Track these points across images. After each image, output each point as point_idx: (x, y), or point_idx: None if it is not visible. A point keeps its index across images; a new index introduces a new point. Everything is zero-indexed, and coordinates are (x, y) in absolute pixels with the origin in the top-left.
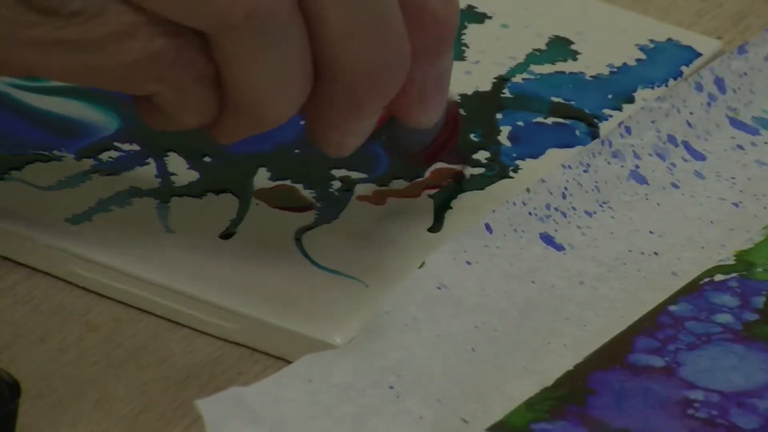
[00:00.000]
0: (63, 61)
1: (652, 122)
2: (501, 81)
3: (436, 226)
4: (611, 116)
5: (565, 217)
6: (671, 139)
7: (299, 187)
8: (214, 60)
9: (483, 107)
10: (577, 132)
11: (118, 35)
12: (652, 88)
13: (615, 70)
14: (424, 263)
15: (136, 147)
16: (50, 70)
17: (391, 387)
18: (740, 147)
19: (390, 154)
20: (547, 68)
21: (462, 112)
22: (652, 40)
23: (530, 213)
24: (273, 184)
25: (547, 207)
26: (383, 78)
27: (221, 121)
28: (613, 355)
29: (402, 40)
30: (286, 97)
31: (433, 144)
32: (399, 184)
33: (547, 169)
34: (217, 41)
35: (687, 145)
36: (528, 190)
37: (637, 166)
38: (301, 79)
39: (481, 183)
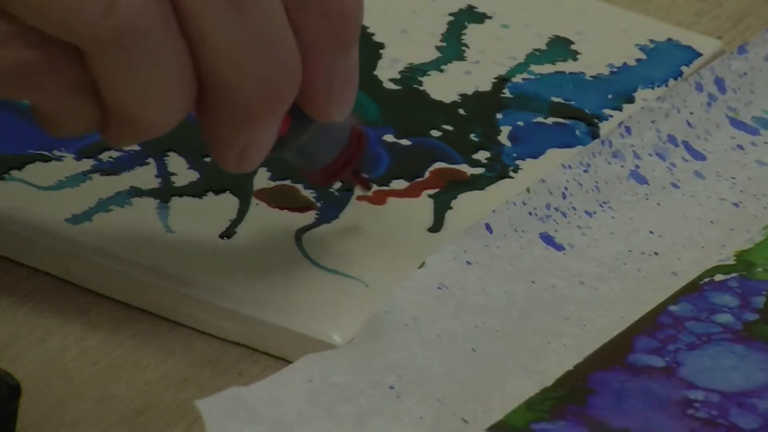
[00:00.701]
0: None
1: (652, 122)
2: (501, 81)
3: (436, 226)
4: (611, 116)
5: (566, 217)
6: (671, 139)
7: (299, 187)
8: (89, 70)
9: (483, 107)
10: (577, 132)
11: None
12: (652, 88)
13: (615, 70)
14: (424, 263)
15: (136, 147)
16: None
17: (391, 387)
18: (740, 147)
19: (295, 167)
20: (547, 68)
21: (407, 142)
22: (652, 40)
23: (530, 213)
24: (273, 184)
25: (548, 207)
26: (271, 93)
27: (106, 125)
28: (613, 355)
29: (289, 52)
30: (164, 110)
31: (334, 163)
32: (399, 184)
33: (547, 169)
34: (87, 54)
35: (687, 145)
36: (528, 190)
37: (637, 166)
38: (180, 94)
39: (481, 183)
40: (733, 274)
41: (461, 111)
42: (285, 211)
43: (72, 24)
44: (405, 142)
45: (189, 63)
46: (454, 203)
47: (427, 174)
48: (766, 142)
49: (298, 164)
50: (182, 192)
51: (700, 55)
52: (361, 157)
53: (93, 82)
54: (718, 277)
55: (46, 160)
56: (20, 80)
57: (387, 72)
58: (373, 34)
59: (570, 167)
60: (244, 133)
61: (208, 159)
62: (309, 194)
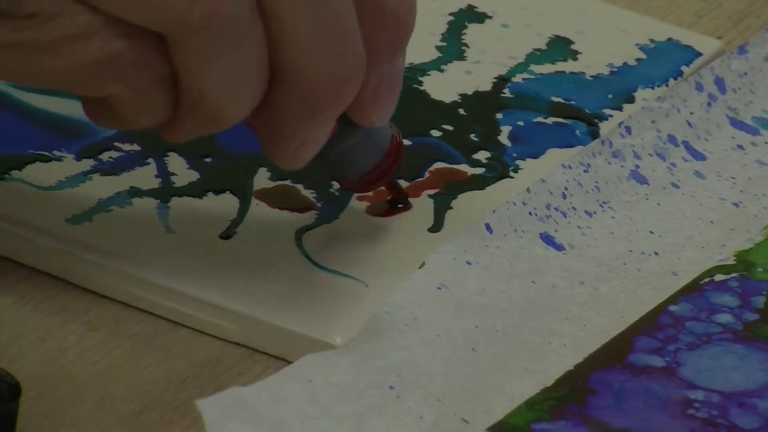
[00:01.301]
0: (20, 63)
1: (653, 122)
2: (501, 81)
3: (436, 226)
4: (611, 116)
5: (566, 217)
6: (671, 139)
7: (299, 187)
8: (172, 61)
9: (483, 107)
10: (578, 132)
11: (74, 37)
12: (653, 87)
13: (615, 69)
14: (424, 263)
15: (136, 147)
16: (7, 73)
17: (391, 387)
18: (740, 147)
19: (328, 174)
20: (547, 68)
21: (407, 142)
22: (652, 40)
23: (530, 213)
24: (273, 184)
25: (548, 207)
26: (341, 83)
27: (175, 120)
28: (614, 355)
29: (358, 47)
30: (241, 99)
31: (372, 172)
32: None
33: (548, 169)
34: (174, 43)
35: (687, 145)
36: (528, 190)
37: (637, 166)
38: (257, 82)
39: (481, 183)
40: (734, 274)
41: (461, 111)
42: (285, 211)
43: (162, 11)
44: (405, 142)
45: (266, 52)
46: (454, 203)
47: (427, 174)
48: (766, 142)
49: (339, 170)
50: (182, 192)
51: (700, 54)
52: (399, 166)
53: (172, 75)
54: (719, 277)
55: (46, 160)
56: (104, 73)
57: None
58: None
59: (570, 167)
60: (308, 127)
61: (208, 159)
62: (309, 194)
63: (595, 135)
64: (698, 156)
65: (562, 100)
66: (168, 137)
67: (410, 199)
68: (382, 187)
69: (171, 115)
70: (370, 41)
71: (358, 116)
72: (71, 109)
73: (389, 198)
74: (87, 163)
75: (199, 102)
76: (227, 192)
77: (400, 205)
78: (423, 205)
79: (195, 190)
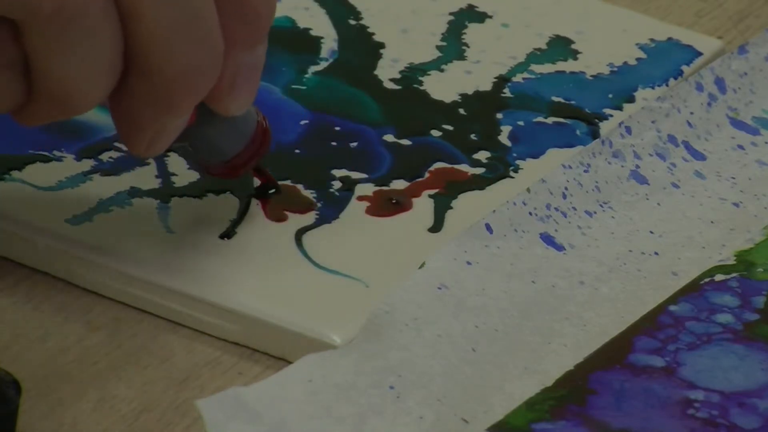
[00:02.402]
0: None
1: (653, 122)
2: (501, 81)
3: (436, 226)
4: (612, 116)
5: (566, 217)
6: (671, 139)
7: (299, 187)
8: (24, 47)
9: (483, 107)
10: (578, 132)
11: None
12: (653, 87)
13: (615, 69)
14: (424, 263)
15: None
16: None
17: (391, 387)
18: (741, 147)
19: (191, 161)
20: (547, 68)
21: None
22: (652, 40)
23: (530, 213)
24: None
25: (548, 207)
26: (196, 76)
27: (28, 105)
28: (614, 355)
29: (216, 38)
30: (94, 87)
31: (236, 157)
32: (399, 184)
33: (548, 169)
34: (25, 30)
35: (687, 145)
36: (528, 190)
37: (637, 166)
38: (110, 72)
39: (481, 183)
40: (734, 274)
41: (462, 111)
42: (282, 222)
43: None
44: (405, 141)
45: (121, 42)
46: (454, 203)
47: (427, 174)
48: (766, 142)
49: (202, 156)
50: (182, 192)
51: (700, 54)
52: (265, 152)
53: (25, 59)
54: (719, 277)
55: (46, 160)
56: None
57: (387, 72)
58: (373, 34)
59: (570, 167)
60: (162, 117)
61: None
62: (309, 194)
63: (595, 135)
64: (698, 156)
65: (563, 100)
66: (21, 122)
67: (412, 199)
68: (251, 173)
69: (24, 100)
70: (229, 32)
71: (216, 105)
72: None
73: (259, 185)
74: (87, 163)
75: (51, 89)
76: (227, 192)
77: (271, 191)
78: (423, 205)
79: (195, 190)
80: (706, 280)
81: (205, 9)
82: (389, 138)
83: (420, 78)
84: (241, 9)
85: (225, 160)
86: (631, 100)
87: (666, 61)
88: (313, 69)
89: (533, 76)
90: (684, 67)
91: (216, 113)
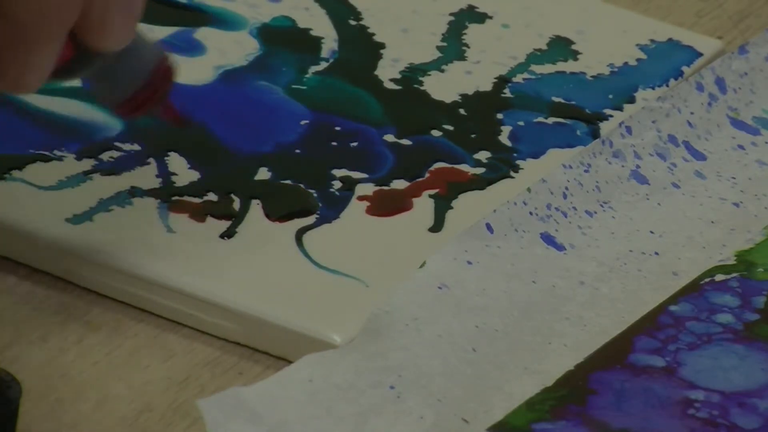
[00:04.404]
0: None
1: (653, 122)
2: (502, 81)
3: (436, 226)
4: (612, 116)
5: (566, 217)
6: (672, 139)
7: (300, 186)
8: None
9: (484, 107)
10: (578, 132)
11: None
12: (653, 88)
13: (616, 70)
14: (424, 263)
15: (137, 147)
16: None
17: (391, 387)
18: (741, 147)
19: (96, 98)
20: (547, 68)
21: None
22: (652, 40)
23: (531, 213)
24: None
25: (548, 207)
26: (48, 16)
27: None
28: (614, 355)
29: None
30: None
31: (138, 94)
32: (400, 184)
33: (548, 169)
34: None
35: (688, 145)
36: (529, 190)
37: (637, 166)
38: None
39: (481, 183)
40: (734, 274)
41: (462, 111)
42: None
43: None
44: (406, 141)
45: None
46: (454, 203)
47: (427, 174)
48: (766, 142)
49: (100, 94)
50: (183, 192)
51: (700, 55)
52: (167, 89)
53: None
54: (719, 277)
55: (47, 160)
56: None
57: (388, 72)
58: (373, 34)
59: (571, 167)
60: (21, 55)
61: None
62: (309, 194)
63: (595, 135)
64: (699, 156)
65: (563, 100)
66: None
67: (412, 199)
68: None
69: None
70: None
71: (89, 41)
72: (71, 109)
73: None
74: (87, 163)
75: None
76: (227, 192)
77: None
78: (423, 205)
79: (195, 190)
80: (707, 280)
81: None
82: (390, 138)
83: (420, 78)
84: None
85: (126, 97)
86: (631, 100)
87: (666, 62)
88: (313, 69)
89: (533, 77)
90: (684, 68)
91: (92, 50)
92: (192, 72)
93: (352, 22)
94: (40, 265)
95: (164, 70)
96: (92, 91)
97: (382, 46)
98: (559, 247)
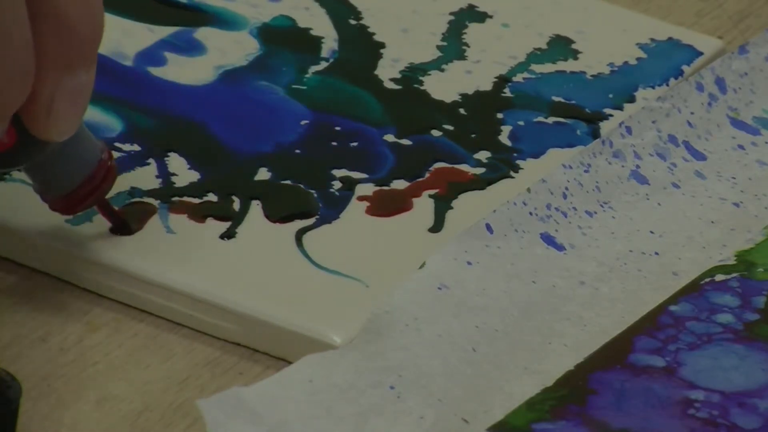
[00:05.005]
0: None
1: (653, 122)
2: (502, 80)
3: (436, 226)
4: (612, 116)
5: (566, 217)
6: (672, 139)
7: (300, 186)
8: None
9: (484, 107)
10: (578, 132)
11: None
12: (653, 87)
13: (616, 69)
14: (424, 263)
15: (136, 147)
16: None
17: (391, 387)
18: (741, 147)
19: (34, 189)
20: (547, 67)
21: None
22: (653, 40)
23: (531, 213)
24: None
25: (548, 207)
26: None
27: None
28: (614, 355)
29: (24, 52)
30: None
31: (77, 191)
32: (400, 184)
33: (548, 168)
34: None
35: (688, 145)
36: (529, 190)
37: (637, 166)
38: None
39: (481, 183)
40: (734, 274)
41: (462, 111)
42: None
43: None
44: (406, 141)
45: None
46: (454, 203)
47: (427, 174)
48: (766, 142)
49: (39, 186)
50: (183, 192)
51: (700, 54)
52: (107, 188)
53: None
54: (719, 277)
55: None
56: None
57: (388, 71)
58: (373, 34)
59: (571, 167)
60: None
61: (208, 160)
62: (310, 194)
63: (595, 135)
64: (699, 156)
65: (563, 100)
66: None
67: (412, 199)
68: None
69: None
70: (45, 51)
71: (34, 129)
72: None
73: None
74: None
75: None
76: (227, 192)
77: (118, 233)
78: (423, 205)
79: (195, 190)
80: (707, 280)
81: (13, 24)
82: (390, 138)
83: (420, 78)
84: (57, 28)
85: (62, 194)
86: (631, 100)
87: (666, 61)
88: (313, 69)
89: (534, 76)
90: (684, 67)
91: (40, 142)
92: (192, 72)
93: (352, 22)
94: (40, 265)
95: (105, 169)
96: (32, 184)
97: (382, 45)
98: (559, 247)
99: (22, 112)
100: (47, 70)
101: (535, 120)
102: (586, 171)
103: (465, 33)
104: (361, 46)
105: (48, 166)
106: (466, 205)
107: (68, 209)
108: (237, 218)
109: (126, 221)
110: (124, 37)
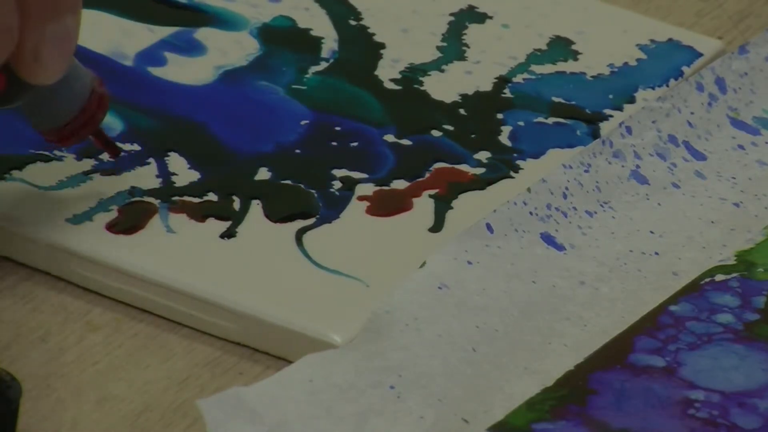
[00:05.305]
0: None
1: (653, 122)
2: (502, 81)
3: (436, 226)
4: (612, 116)
5: (566, 217)
6: (672, 139)
7: (300, 186)
8: None
9: (484, 107)
10: (578, 132)
11: None
12: (653, 88)
13: (616, 70)
14: (425, 263)
15: (137, 147)
16: None
17: (391, 387)
18: (741, 147)
19: (28, 124)
20: (547, 68)
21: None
22: (652, 40)
23: (531, 213)
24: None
25: (548, 207)
26: None
27: None
28: (614, 355)
29: (6, 7)
30: None
31: (71, 123)
32: (400, 184)
33: (548, 169)
34: None
35: (688, 145)
36: (529, 190)
37: (637, 166)
38: None
39: (482, 183)
40: (734, 274)
41: (462, 111)
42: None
43: None
44: (406, 141)
45: None
46: (454, 203)
47: (427, 174)
48: (766, 142)
49: (33, 121)
50: (183, 192)
51: (700, 55)
52: (101, 118)
53: None
54: (719, 277)
55: (47, 160)
56: None
57: (388, 72)
58: (373, 34)
59: (571, 167)
60: None
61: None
62: (310, 194)
63: (595, 135)
64: (699, 156)
65: (563, 100)
66: None
67: (412, 199)
68: (91, 138)
69: None
70: (27, 3)
71: (23, 74)
72: None
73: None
74: (87, 163)
75: None
76: (227, 192)
77: (111, 159)
78: (423, 205)
79: (195, 190)
80: (707, 280)
81: None
82: (390, 138)
83: (420, 78)
84: None
85: (57, 126)
86: (631, 100)
87: (666, 62)
88: (313, 69)
89: (534, 77)
90: (684, 68)
91: (24, 81)
92: (192, 72)
93: (352, 22)
94: (41, 265)
95: (98, 98)
96: (26, 119)
97: (382, 46)
98: (559, 247)
99: (11, 59)
100: (32, 19)
101: (535, 120)
102: (586, 171)
103: (465, 33)
104: (361, 47)
105: (42, 102)
106: (466, 205)
107: (64, 139)
108: (237, 218)
109: (121, 149)
110: (124, 37)
